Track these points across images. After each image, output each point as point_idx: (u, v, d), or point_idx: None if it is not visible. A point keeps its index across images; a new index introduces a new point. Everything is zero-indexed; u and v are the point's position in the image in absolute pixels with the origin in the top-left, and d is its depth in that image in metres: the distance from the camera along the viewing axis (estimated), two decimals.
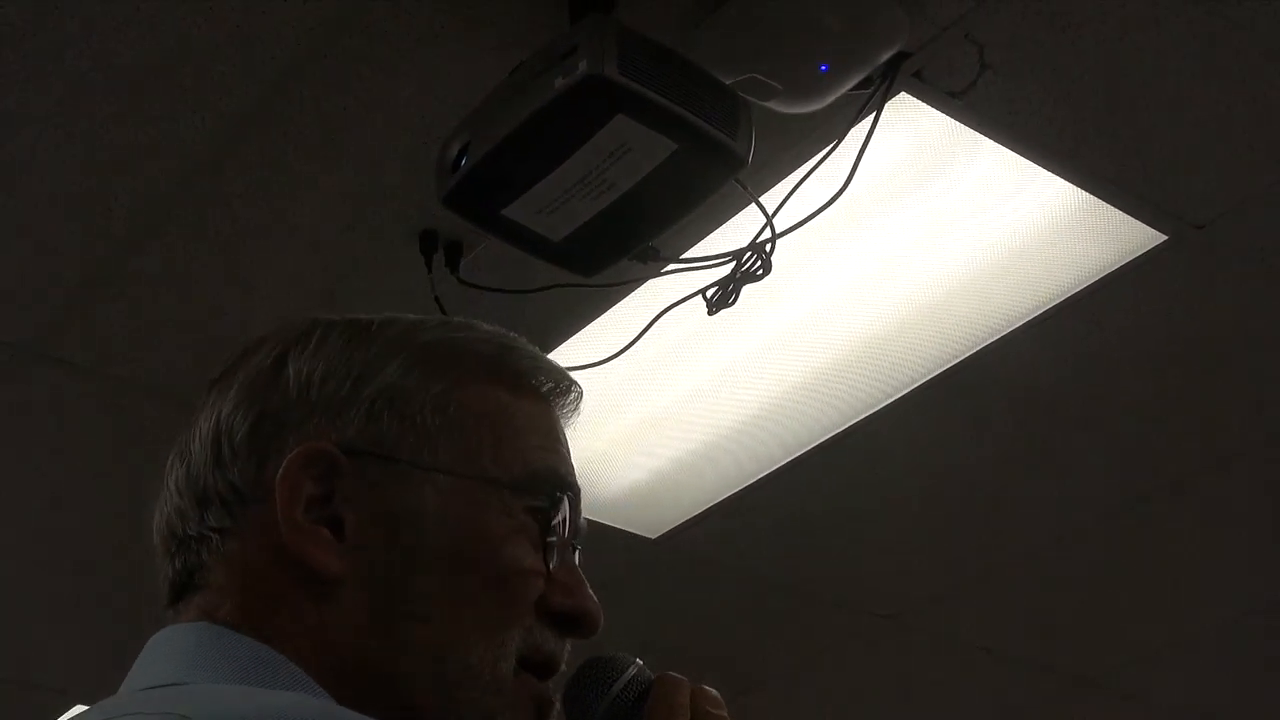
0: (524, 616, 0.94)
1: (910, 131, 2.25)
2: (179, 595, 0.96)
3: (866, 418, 2.82)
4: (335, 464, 0.92)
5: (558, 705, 0.97)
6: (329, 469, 0.92)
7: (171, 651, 0.91)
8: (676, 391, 2.76)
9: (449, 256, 2.38)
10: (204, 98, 2.13)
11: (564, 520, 0.96)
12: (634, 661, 1.00)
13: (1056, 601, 3.41)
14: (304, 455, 0.92)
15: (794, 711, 3.83)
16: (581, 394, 1.03)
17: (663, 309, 2.35)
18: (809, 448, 2.89)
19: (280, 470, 0.92)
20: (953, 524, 3.13)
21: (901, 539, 3.17)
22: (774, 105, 2.00)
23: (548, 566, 0.95)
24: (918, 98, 2.17)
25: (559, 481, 0.97)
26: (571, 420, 1.02)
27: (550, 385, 1.01)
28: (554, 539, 0.95)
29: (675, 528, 3.10)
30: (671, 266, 2.27)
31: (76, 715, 0.91)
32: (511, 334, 1.02)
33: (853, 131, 2.12)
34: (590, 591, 0.97)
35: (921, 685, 3.76)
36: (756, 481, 2.98)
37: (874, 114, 2.10)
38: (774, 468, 2.94)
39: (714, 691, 0.98)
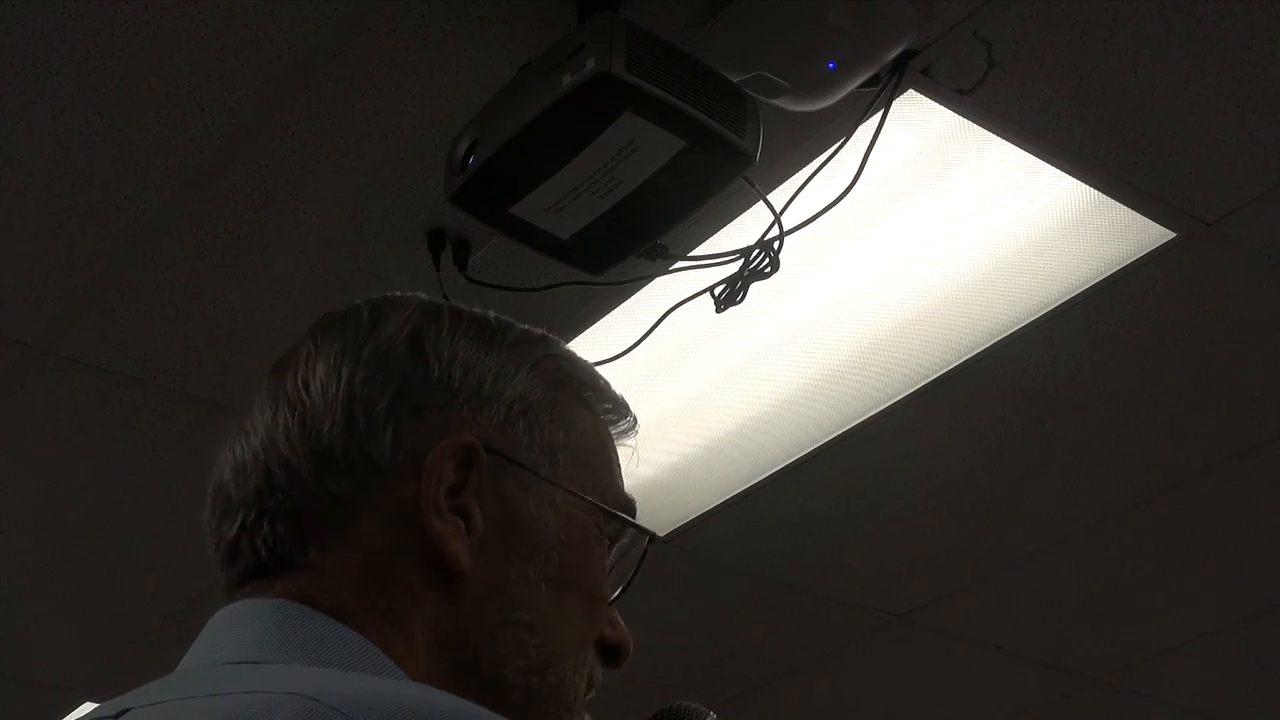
0: (593, 642, 0.95)
1: (918, 129, 2.25)
2: (272, 565, 0.91)
3: (875, 415, 2.81)
4: (476, 457, 0.92)
5: None
6: (466, 460, 0.92)
7: (251, 628, 0.88)
8: (684, 389, 2.76)
9: (457, 255, 2.38)
10: (212, 96, 2.13)
11: (637, 554, 0.98)
12: (709, 714, 1.00)
13: (1062, 600, 3.41)
14: (455, 443, 0.91)
15: (803, 710, 3.82)
16: (636, 423, 1.04)
17: (670, 307, 2.35)
18: (818, 445, 2.89)
19: (433, 453, 0.91)
20: (962, 522, 3.13)
21: (910, 537, 3.17)
22: (782, 103, 1.99)
23: (612, 596, 0.96)
24: (926, 95, 2.17)
25: (634, 513, 0.99)
26: (624, 446, 1.03)
27: (612, 409, 1.02)
28: (628, 571, 0.97)
29: (683, 526, 3.09)
30: (679, 264, 2.27)
31: (149, 687, 0.88)
32: (585, 360, 1.03)
33: (860, 129, 2.11)
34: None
35: (929, 683, 3.76)
36: (765, 479, 2.98)
37: (882, 111, 2.10)
38: (782, 465, 2.94)
39: None
